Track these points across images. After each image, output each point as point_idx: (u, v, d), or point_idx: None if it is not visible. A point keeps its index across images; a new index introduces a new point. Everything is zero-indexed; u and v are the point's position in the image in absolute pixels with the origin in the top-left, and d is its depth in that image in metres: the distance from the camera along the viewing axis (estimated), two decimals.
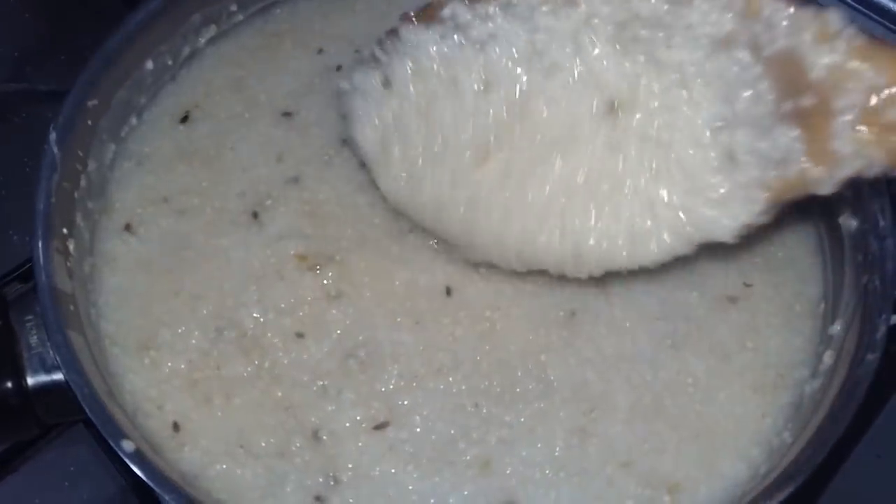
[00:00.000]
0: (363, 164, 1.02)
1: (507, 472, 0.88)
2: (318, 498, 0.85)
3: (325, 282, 0.95)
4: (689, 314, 0.96)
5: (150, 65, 1.05)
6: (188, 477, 0.84)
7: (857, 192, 0.95)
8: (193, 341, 0.92)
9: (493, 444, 0.89)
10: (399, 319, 0.94)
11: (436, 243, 0.98)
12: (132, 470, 0.78)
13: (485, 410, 0.90)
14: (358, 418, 0.89)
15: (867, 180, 0.92)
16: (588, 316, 0.96)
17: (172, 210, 1.00)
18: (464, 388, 0.91)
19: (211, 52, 1.12)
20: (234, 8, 1.13)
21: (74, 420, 0.87)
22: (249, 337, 0.92)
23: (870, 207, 0.93)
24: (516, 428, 0.89)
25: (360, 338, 0.93)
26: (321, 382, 0.91)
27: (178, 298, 0.95)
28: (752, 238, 1.01)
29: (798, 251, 1.01)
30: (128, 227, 0.99)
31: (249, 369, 0.91)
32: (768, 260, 1.00)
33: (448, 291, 0.95)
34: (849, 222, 0.96)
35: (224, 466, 0.86)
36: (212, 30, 1.12)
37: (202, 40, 1.11)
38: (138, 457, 0.77)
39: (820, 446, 0.80)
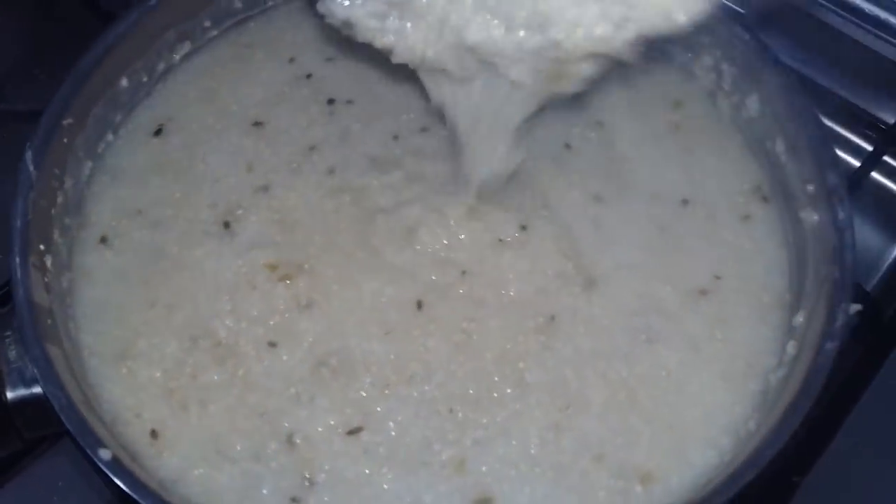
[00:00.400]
0: (330, 170, 1.05)
1: (483, 469, 0.89)
2: (293, 499, 0.87)
3: (295, 291, 0.97)
4: (663, 308, 0.98)
5: (125, 82, 1.07)
6: (167, 483, 0.86)
7: (818, 186, 0.97)
8: (169, 351, 0.94)
9: (469, 445, 0.90)
10: (369, 329, 0.95)
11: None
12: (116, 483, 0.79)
13: (460, 415, 0.91)
14: (332, 423, 0.90)
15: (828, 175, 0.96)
16: (567, 317, 0.97)
17: (146, 222, 1.02)
18: (437, 395, 0.92)
19: (185, 67, 1.14)
20: (207, 23, 1.15)
21: (54, 433, 0.88)
22: (223, 346, 0.94)
23: (829, 201, 0.95)
24: (492, 429, 0.91)
25: (332, 346, 0.94)
26: (293, 390, 0.92)
27: (154, 309, 0.96)
28: (721, 231, 1.03)
29: (766, 244, 1.03)
30: (103, 240, 1.01)
31: (224, 377, 0.93)
32: (737, 252, 1.02)
33: (419, 305, 0.97)
34: (810, 216, 0.98)
35: (202, 471, 0.88)
36: (186, 46, 1.14)
37: (177, 56, 1.13)
38: (115, 465, 0.79)
39: (780, 434, 0.81)
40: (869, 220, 1.30)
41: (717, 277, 1.00)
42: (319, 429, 0.90)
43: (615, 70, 1.14)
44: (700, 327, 0.97)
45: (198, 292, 0.97)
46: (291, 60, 1.14)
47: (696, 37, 1.12)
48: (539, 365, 0.94)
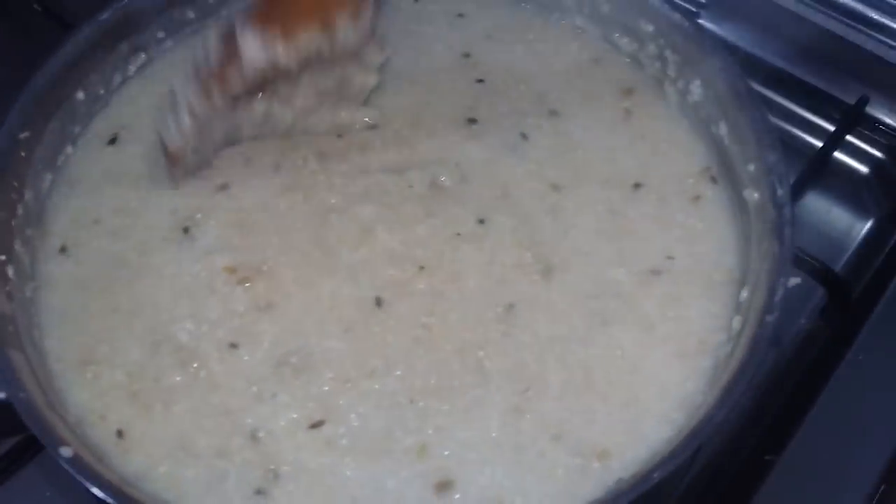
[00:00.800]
0: (277, 167, 1.08)
1: (445, 454, 0.91)
2: (258, 491, 0.88)
3: (254, 294, 0.99)
4: (619, 290, 1.00)
5: (81, 95, 1.09)
6: (132, 480, 0.88)
7: (758, 166, 1.00)
8: (131, 355, 0.95)
9: (430, 433, 0.92)
10: (328, 328, 0.97)
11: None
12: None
13: (421, 404, 0.93)
14: (294, 417, 0.92)
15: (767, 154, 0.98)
16: (526, 305, 0.99)
17: (105, 231, 1.03)
18: (398, 387, 0.94)
19: (140, 76, 1.16)
20: (161, 34, 1.17)
21: (21, 435, 0.90)
22: (185, 349, 0.96)
23: (768, 180, 0.98)
24: (453, 416, 0.93)
25: (292, 346, 0.96)
26: (255, 388, 0.94)
27: (116, 315, 0.98)
28: (672, 213, 1.06)
29: (716, 223, 1.05)
30: (63, 250, 1.03)
31: (187, 379, 0.94)
32: (689, 232, 1.05)
33: (378, 302, 0.99)
34: (752, 195, 1.01)
35: (167, 468, 0.89)
36: (141, 57, 1.16)
37: (132, 68, 1.15)
38: (76, 462, 0.81)
39: (722, 405, 0.84)
40: (835, 200, 1.33)
41: (670, 258, 1.02)
42: (282, 424, 0.92)
43: (567, 60, 1.18)
44: (654, 307, 0.99)
45: (158, 298, 0.99)
46: None
47: (641, 27, 1.15)
48: (499, 353, 0.96)
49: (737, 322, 0.95)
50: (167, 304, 0.98)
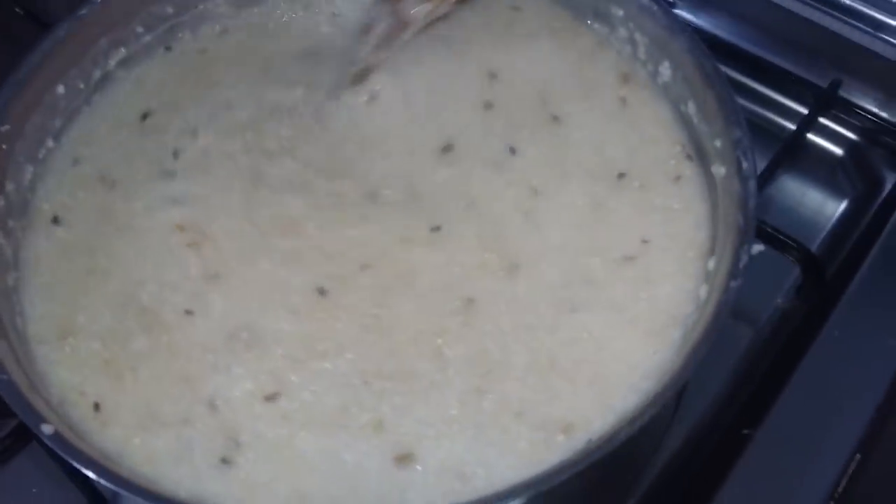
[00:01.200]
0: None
1: (402, 430, 0.91)
2: (223, 460, 0.89)
3: (203, 260, 1.00)
4: (590, 278, 1.00)
5: (61, 89, 1.11)
6: (113, 456, 0.89)
7: (724, 141, 1.00)
8: (104, 321, 0.97)
9: (387, 410, 0.92)
10: (274, 309, 0.97)
11: None
12: (90, 483, 0.83)
13: (376, 385, 0.93)
14: (249, 388, 0.93)
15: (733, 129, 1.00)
16: (487, 299, 0.98)
17: (105, 185, 1.07)
18: (350, 369, 0.93)
19: (120, 70, 1.18)
20: (140, 29, 1.19)
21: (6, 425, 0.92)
22: (148, 312, 0.97)
23: (733, 154, 0.98)
24: (409, 396, 0.92)
25: (240, 321, 0.96)
26: (211, 357, 0.95)
27: (92, 277, 1.00)
28: (652, 197, 1.06)
29: (692, 202, 1.05)
30: (55, 220, 1.05)
31: (150, 343, 0.95)
32: (667, 213, 1.04)
33: (321, 291, 0.98)
34: (719, 170, 1.01)
35: (141, 439, 0.90)
36: (121, 52, 1.17)
37: (112, 63, 1.17)
38: (57, 438, 0.82)
39: (685, 368, 0.84)
40: (810, 182, 1.34)
41: (645, 241, 1.02)
42: (237, 394, 0.92)
43: (571, 52, 1.18)
44: (625, 291, 0.98)
45: (128, 256, 1.01)
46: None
47: (611, 11, 1.16)
48: (458, 340, 0.95)
49: (703, 291, 0.95)
50: (134, 264, 1.00)
